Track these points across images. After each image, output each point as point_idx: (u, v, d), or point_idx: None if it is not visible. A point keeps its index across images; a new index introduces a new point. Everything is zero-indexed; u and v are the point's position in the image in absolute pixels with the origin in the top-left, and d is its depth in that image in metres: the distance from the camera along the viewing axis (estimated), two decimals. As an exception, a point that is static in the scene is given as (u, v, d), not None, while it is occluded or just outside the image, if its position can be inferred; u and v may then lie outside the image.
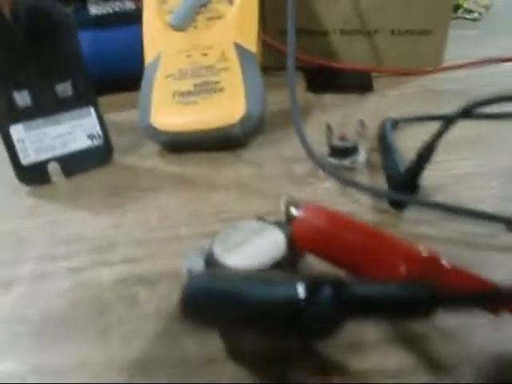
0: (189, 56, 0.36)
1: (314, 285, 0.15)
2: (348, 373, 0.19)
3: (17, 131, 0.33)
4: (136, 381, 0.21)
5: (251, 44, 0.36)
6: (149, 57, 0.37)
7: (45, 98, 0.33)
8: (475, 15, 0.71)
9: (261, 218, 0.23)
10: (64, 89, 0.34)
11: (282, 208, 0.28)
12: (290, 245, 0.21)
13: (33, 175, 0.34)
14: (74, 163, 0.35)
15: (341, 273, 0.20)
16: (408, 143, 0.35)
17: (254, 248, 0.21)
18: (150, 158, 0.36)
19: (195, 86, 0.35)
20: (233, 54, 0.35)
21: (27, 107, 0.33)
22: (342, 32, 0.49)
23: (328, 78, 0.48)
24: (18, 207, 0.33)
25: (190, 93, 0.35)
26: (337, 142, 0.32)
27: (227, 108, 0.34)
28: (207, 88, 0.35)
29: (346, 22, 0.49)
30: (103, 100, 0.35)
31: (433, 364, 0.20)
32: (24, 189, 0.34)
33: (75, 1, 0.46)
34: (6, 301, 0.25)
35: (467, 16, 0.71)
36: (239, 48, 0.36)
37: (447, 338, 0.20)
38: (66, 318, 0.24)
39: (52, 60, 0.33)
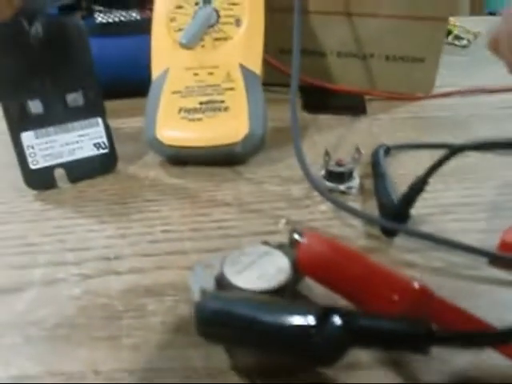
0: (196, 74, 0.37)
1: (324, 314, 0.17)
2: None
3: (27, 138, 0.34)
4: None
5: (256, 66, 0.38)
6: (156, 71, 0.38)
7: (56, 106, 0.35)
8: (464, 42, 0.74)
9: (266, 242, 0.25)
10: (75, 99, 0.35)
11: (281, 228, 0.30)
12: (293, 268, 0.23)
13: (40, 180, 0.36)
14: (80, 170, 0.36)
15: (341, 301, 0.22)
16: (399, 170, 0.37)
17: (261, 271, 0.23)
18: (152, 169, 0.38)
19: (201, 103, 0.37)
20: (238, 75, 0.37)
21: (39, 115, 0.34)
22: (339, 54, 0.51)
23: (323, 99, 0.50)
24: (25, 211, 0.34)
25: (195, 110, 0.36)
26: (333, 167, 0.34)
27: (231, 127, 0.36)
28: (212, 106, 0.36)
29: (343, 45, 0.51)
30: (106, 105, 0.37)
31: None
32: (31, 193, 0.35)
33: (82, 9, 0.47)
34: (18, 304, 0.27)
35: (457, 42, 0.73)
36: (244, 69, 0.37)
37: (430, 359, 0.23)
38: (76, 323, 0.26)
39: (65, 70, 0.35)
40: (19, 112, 0.34)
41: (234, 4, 0.39)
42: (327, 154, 0.35)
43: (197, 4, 0.39)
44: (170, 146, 0.36)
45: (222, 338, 0.20)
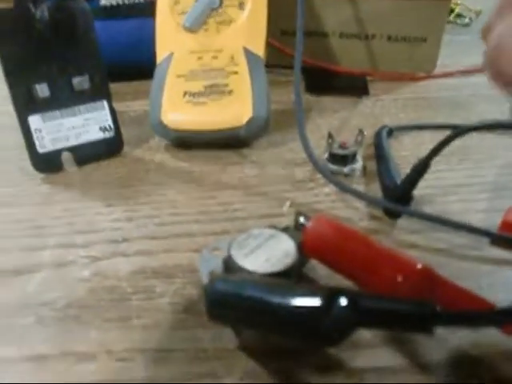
0: (200, 58, 0.38)
1: (330, 295, 0.18)
2: (345, 370, 0.22)
3: (35, 121, 0.35)
4: (153, 368, 0.23)
5: (259, 49, 0.38)
6: (161, 55, 0.39)
7: (62, 90, 0.35)
8: (466, 20, 0.73)
9: (272, 226, 0.26)
10: (81, 82, 0.35)
11: (285, 210, 0.31)
12: (299, 251, 0.24)
13: (47, 163, 0.36)
14: (86, 153, 0.37)
15: (346, 282, 0.23)
16: (402, 151, 0.37)
17: (268, 254, 0.23)
18: (158, 153, 0.38)
19: (205, 87, 0.37)
20: (242, 59, 0.37)
21: (45, 99, 0.35)
22: (341, 35, 0.51)
23: (326, 80, 0.50)
24: (33, 194, 0.34)
25: (200, 93, 0.37)
26: (337, 150, 0.34)
27: (235, 110, 0.36)
28: (217, 90, 0.37)
29: (345, 26, 0.51)
30: (111, 88, 0.37)
31: (420, 363, 0.23)
32: (38, 176, 0.36)
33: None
34: (29, 286, 0.27)
35: (458, 21, 0.73)
36: (248, 52, 0.38)
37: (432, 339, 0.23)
38: (86, 304, 0.26)
39: (71, 54, 0.35)
40: (26, 96, 0.34)
41: (237, -13, 0.39)
42: (330, 136, 0.35)
43: (200, -13, 0.39)
44: (175, 130, 0.36)
45: (230, 320, 0.21)
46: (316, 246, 0.23)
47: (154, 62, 0.40)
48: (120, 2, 0.49)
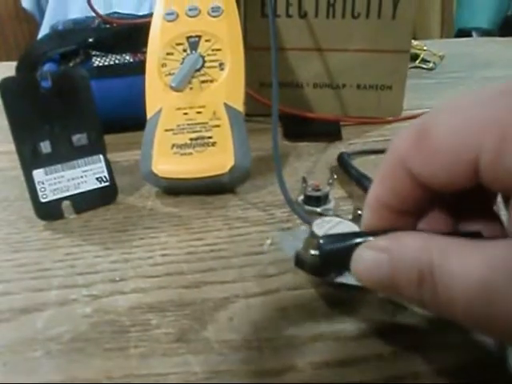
0: (185, 113, 0.42)
1: None
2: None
3: (38, 174, 0.39)
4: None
5: (239, 104, 0.43)
6: (150, 111, 0.43)
7: (63, 146, 0.39)
8: (430, 65, 0.79)
9: (337, 215, 0.32)
10: (79, 139, 0.40)
11: (265, 249, 0.35)
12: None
13: (49, 212, 0.40)
14: (84, 202, 0.41)
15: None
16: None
17: (340, 231, 0.30)
18: (149, 199, 0.42)
19: (191, 139, 0.41)
20: (223, 113, 0.42)
21: (48, 154, 0.39)
22: (314, 85, 0.56)
23: (302, 127, 0.55)
24: (36, 240, 0.38)
25: (186, 145, 0.41)
26: (311, 192, 0.39)
27: (218, 160, 0.40)
28: (201, 142, 0.41)
29: (317, 77, 0.56)
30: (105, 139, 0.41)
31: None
32: (40, 223, 0.40)
33: (81, 54, 0.52)
34: (38, 322, 0.31)
35: (424, 66, 0.79)
36: (228, 108, 0.42)
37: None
38: (89, 337, 0.30)
39: (71, 115, 0.39)
40: (31, 152, 0.38)
41: (217, 50, 0.44)
42: (304, 180, 0.39)
43: (185, 51, 0.44)
44: (165, 178, 0.41)
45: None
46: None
47: (144, 115, 0.44)
48: (112, 63, 0.53)
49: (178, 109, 0.42)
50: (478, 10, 1.86)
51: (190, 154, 0.41)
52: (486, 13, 1.85)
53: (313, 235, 0.30)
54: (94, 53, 0.54)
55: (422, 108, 0.58)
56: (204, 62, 0.44)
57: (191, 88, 0.43)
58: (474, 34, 1.82)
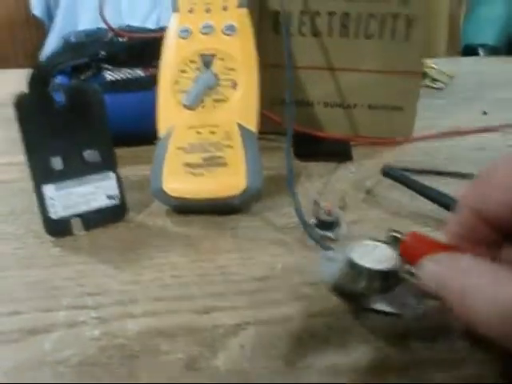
0: (198, 132, 0.42)
1: None
2: None
3: (49, 190, 0.39)
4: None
5: (252, 124, 0.42)
6: (162, 129, 0.43)
7: (74, 162, 0.39)
8: (440, 84, 0.79)
9: (373, 238, 0.32)
10: (91, 155, 0.39)
11: (277, 273, 0.34)
12: (398, 257, 0.30)
13: (58, 228, 0.39)
14: (94, 219, 0.40)
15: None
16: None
17: (378, 257, 0.30)
18: (159, 218, 0.42)
19: (203, 159, 0.41)
20: (236, 133, 0.42)
21: (59, 170, 0.39)
22: (325, 104, 0.56)
23: (312, 146, 0.54)
24: (45, 257, 0.38)
25: (198, 165, 0.41)
26: (323, 216, 0.38)
27: (230, 181, 0.40)
28: (213, 162, 0.41)
29: (329, 96, 0.56)
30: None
31: None
32: (49, 239, 0.39)
33: (93, 68, 0.52)
34: (46, 344, 0.30)
35: (433, 85, 0.79)
36: (241, 128, 0.42)
37: None
38: (99, 362, 0.29)
39: (83, 131, 0.39)
40: (43, 168, 0.38)
41: (230, 69, 0.44)
42: (316, 204, 0.39)
43: (198, 69, 0.44)
44: (175, 198, 0.40)
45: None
46: (411, 254, 0.29)
47: (153, 130, 0.44)
48: (123, 77, 0.53)
49: (191, 127, 0.42)
50: (485, 26, 1.86)
51: (202, 173, 0.40)
52: (493, 29, 1.85)
53: (352, 263, 0.30)
54: (105, 66, 0.54)
55: (434, 129, 0.58)
56: (217, 80, 0.43)
57: (204, 107, 0.43)
58: (480, 50, 1.82)
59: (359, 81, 0.55)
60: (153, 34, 0.57)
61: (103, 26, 0.58)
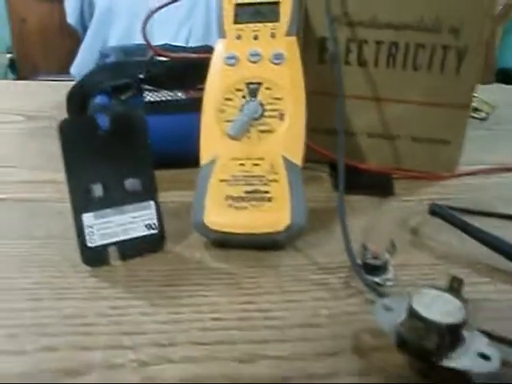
0: (242, 164, 0.40)
1: None
2: None
3: (88, 219, 0.37)
4: None
5: (297, 157, 0.41)
6: (205, 158, 0.42)
7: (115, 190, 0.38)
8: (483, 114, 0.77)
9: (433, 286, 0.30)
10: (132, 184, 0.38)
11: (322, 321, 0.32)
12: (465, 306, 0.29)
13: (95, 257, 0.38)
14: (131, 249, 0.39)
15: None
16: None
17: (445, 308, 0.28)
18: (198, 251, 0.40)
19: (246, 192, 0.39)
20: (281, 167, 0.40)
21: (99, 198, 0.38)
22: (368, 135, 0.55)
23: (353, 178, 0.52)
24: (81, 288, 0.37)
25: (241, 198, 0.39)
26: (370, 260, 0.37)
27: (274, 217, 0.39)
28: (257, 196, 0.39)
29: (372, 127, 0.54)
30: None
31: None
32: (84, 268, 0.38)
33: (133, 88, 0.51)
34: (82, 386, 0.29)
35: (475, 115, 0.76)
36: (287, 161, 0.40)
37: None
38: (137, 410, 0.28)
39: (126, 158, 0.38)
40: (83, 195, 0.37)
41: (277, 99, 0.42)
42: (364, 247, 0.37)
43: (244, 97, 0.42)
44: (217, 231, 0.39)
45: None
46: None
47: (192, 153, 0.43)
48: (163, 98, 0.52)
49: (234, 158, 0.41)
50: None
51: (245, 207, 0.39)
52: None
53: (418, 316, 0.28)
54: (145, 87, 0.53)
55: (478, 163, 0.56)
56: (264, 110, 0.42)
57: (249, 137, 0.41)
58: (515, 74, 1.79)
59: (404, 112, 0.53)
60: (194, 56, 0.56)
61: (136, 38, 0.57)
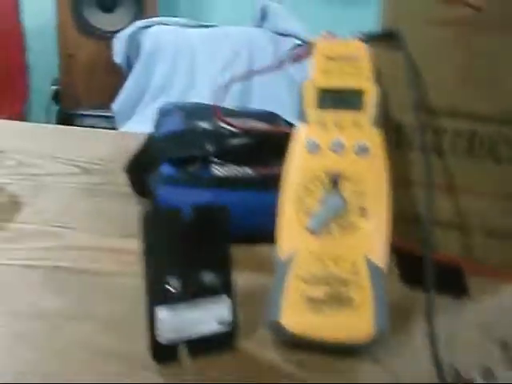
0: (321, 261, 0.38)
1: None
2: None
3: (161, 312, 0.36)
4: None
5: (381, 259, 0.39)
6: (283, 252, 0.40)
7: (191, 284, 0.36)
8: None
9: None
10: (209, 278, 0.37)
11: None
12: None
13: (165, 354, 0.36)
14: (202, 346, 0.37)
15: None
16: None
17: None
18: (269, 350, 0.38)
19: (326, 294, 0.37)
20: (364, 269, 0.38)
21: (175, 291, 0.36)
22: (441, 225, 0.52)
23: (421, 270, 0.50)
24: (149, 389, 0.34)
25: (320, 301, 0.37)
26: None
27: (355, 325, 0.37)
28: (338, 300, 0.37)
29: (445, 217, 0.52)
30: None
31: None
32: (152, 363, 0.36)
33: (198, 161, 0.50)
34: None
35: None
36: (370, 262, 0.38)
37: None
38: None
39: (205, 251, 0.36)
40: (159, 288, 0.36)
41: (360, 193, 0.40)
42: (455, 370, 0.35)
43: (325, 189, 0.41)
44: (293, 334, 0.37)
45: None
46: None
47: (254, 232, 0.43)
48: (231, 174, 0.51)
49: (314, 255, 0.39)
50: None
51: (324, 311, 0.37)
52: None
53: None
54: (213, 160, 0.52)
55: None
56: (346, 205, 0.40)
57: (330, 233, 0.40)
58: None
59: (480, 205, 0.51)
60: (266, 129, 0.55)
61: (178, 77, 0.57)
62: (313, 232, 0.39)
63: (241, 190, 0.51)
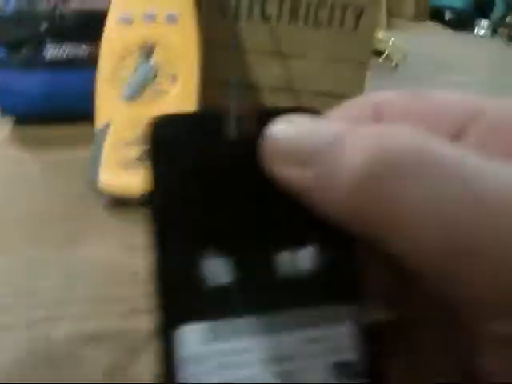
0: (135, 126, 0.42)
1: None
2: None
3: (189, 335, 0.16)
4: None
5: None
6: (101, 121, 0.43)
7: (257, 275, 0.17)
8: (393, 63, 0.80)
9: None
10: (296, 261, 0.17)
11: None
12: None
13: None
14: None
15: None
16: None
17: None
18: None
19: (140, 153, 0.41)
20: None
21: (220, 291, 0.17)
22: (272, 89, 0.56)
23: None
24: None
25: (133, 161, 0.41)
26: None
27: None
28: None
29: (276, 82, 0.56)
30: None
31: None
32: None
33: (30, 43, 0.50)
34: None
35: (388, 64, 0.80)
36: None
37: None
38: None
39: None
40: (182, 281, 0.15)
41: (171, 61, 0.43)
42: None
43: (138, 59, 0.43)
44: (109, 192, 0.41)
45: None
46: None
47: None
48: (65, 56, 0.52)
49: (128, 121, 0.42)
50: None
51: (138, 169, 0.41)
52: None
53: None
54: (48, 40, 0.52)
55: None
56: (157, 72, 0.43)
57: (142, 100, 0.43)
58: (447, 12, 1.82)
59: (306, 68, 0.55)
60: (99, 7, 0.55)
61: None
62: (127, 99, 0.42)
63: (77, 70, 0.52)
